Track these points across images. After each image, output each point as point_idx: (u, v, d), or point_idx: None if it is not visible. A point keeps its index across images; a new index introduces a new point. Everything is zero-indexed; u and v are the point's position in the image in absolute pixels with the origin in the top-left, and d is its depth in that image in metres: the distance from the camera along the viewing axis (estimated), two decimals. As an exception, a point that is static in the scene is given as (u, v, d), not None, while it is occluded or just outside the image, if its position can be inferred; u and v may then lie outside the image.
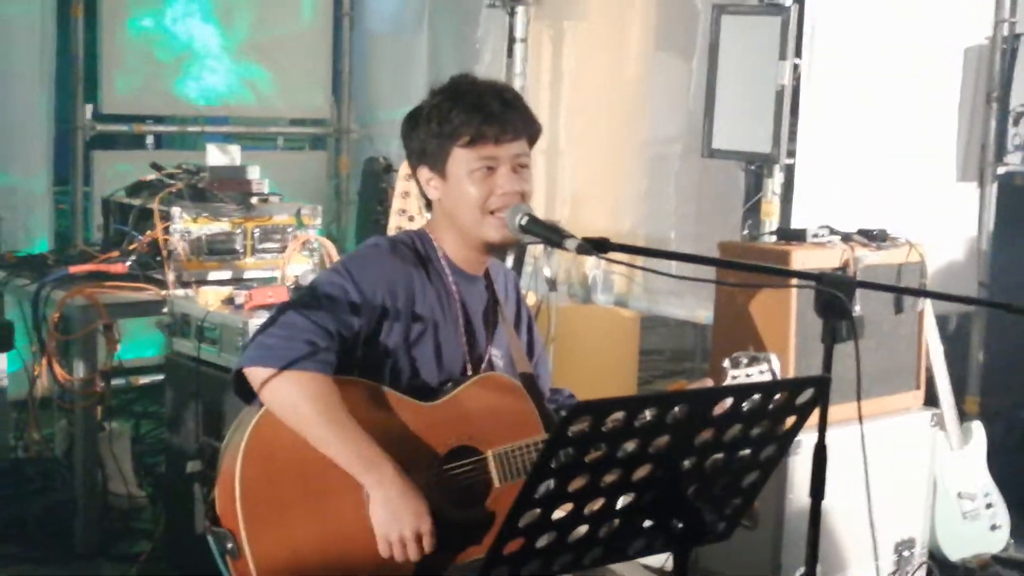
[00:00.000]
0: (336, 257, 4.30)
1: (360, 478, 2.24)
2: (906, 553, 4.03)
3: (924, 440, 4.09)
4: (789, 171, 4.40)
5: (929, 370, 4.19)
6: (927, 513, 4.12)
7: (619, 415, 1.71)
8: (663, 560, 3.03)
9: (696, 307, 4.92)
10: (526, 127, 2.44)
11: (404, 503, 2.23)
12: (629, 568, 2.46)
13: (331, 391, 2.26)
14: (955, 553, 4.21)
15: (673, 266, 2.88)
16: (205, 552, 2.32)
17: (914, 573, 4.06)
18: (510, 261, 4.20)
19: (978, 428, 4.43)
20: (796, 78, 4.25)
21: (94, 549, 4.19)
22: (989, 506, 4.35)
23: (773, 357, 2.45)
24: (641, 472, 1.78)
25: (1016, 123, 4.96)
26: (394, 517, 2.22)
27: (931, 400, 4.20)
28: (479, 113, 2.37)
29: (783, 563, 3.68)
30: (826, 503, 2.36)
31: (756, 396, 1.82)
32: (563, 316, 4.92)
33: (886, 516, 3.75)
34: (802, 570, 3.67)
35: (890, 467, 3.82)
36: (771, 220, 4.31)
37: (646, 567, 2.54)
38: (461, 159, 2.40)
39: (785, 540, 3.67)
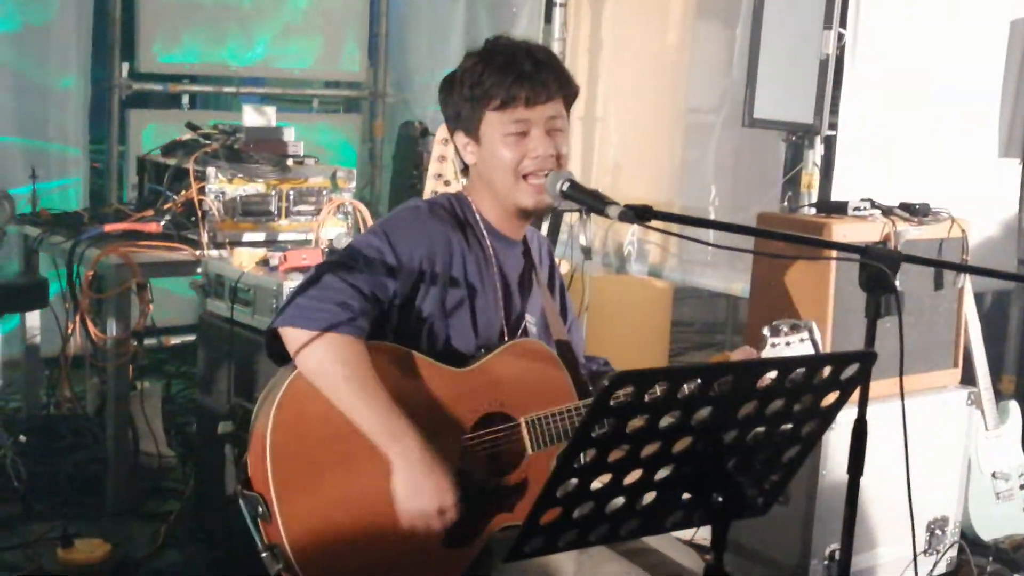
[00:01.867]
0: (370, 221, 4.28)
1: (385, 449, 2.21)
2: (938, 532, 3.99)
3: (960, 419, 4.04)
4: (830, 143, 4.35)
5: (967, 348, 4.14)
6: (960, 492, 4.08)
7: (662, 385, 1.68)
8: (692, 533, 3.01)
9: (732, 279, 4.88)
10: (560, 88, 2.39)
11: (427, 477, 2.20)
12: (663, 540, 2.44)
13: (363, 356, 2.23)
14: (987, 533, 4.17)
15: (711, 236, 2.84)
16: (234, 513, 2.31)
17: (946, 552, 4.02)
18: (545, 228, 4.17)
19: (1014, 408, 4.38)
20: (840, 48, 4.19)
21: (124, 507, 4.20)
22: (1023, 487, 4.30)
23: (814, 325, 2.41)
24: (682, 444, 1.75)
25: (1063, 99, 4.88)
26: (417, 491, 2.20)
27: (968, 378, 4.15)
28: (510, 75, 2.33)
29: (814, 539, 3.66)
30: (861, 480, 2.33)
31: (800, 370, 1.79)
32: (596, 285, 4.89)
33: (919, 494, 3.69)
34: (833, 546, 3.66)
35: (924, 445, 3.78)
36: (811, 192, 4.26)
37: (678, 539, 2.51)
38: (493, 122, 2.36)
39: (817, 516, 3.64)
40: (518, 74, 2.33)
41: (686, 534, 2.63)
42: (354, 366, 2.22)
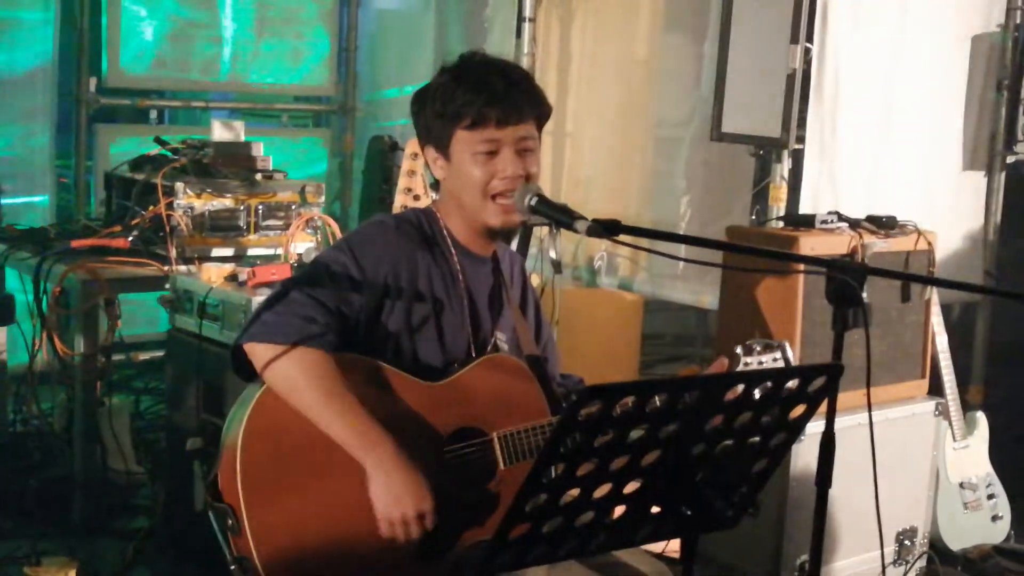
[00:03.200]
0: (340, 235, 4.27)
1: (360, 458, 2.21)
2: (907, 542, 4.02)
3: (928, 429, 4.08)
4: (798, 156, 4.38)
5: (934, 359, 4.17)
6: (929, 503, 4.11)
7: (629, 400, 1.69)
8: (663, 545, 3.01)
9: (701, 292, 4.90)
10: (532, 109, 2.39)
11: (404, 483, 2.20)
12: (634, 554, 2.45)
13: (331, 368, 2.23)
14: (956, 543, 4.20)
15: (682, 250, 2.85)
16: (204, 529, 2.30)
17: (915, 562, 4.05)
18: (515, 243, 4.17)
19: (981, 418, 4.41)
20: (807, 62, 4.22)
21: (92, 525, 4.16)
22: (991, 497, 4.34)
23: (787, 345, 2.42)
24: (650, 458, 1.76)
25: (1027, 112, 4.93)
26: (394, 497, 2.20)
27: (935, 389, 4.18)
28: (482, 94, 2.33)
29: (784, 550, 3.67)
30: (830, 491, 2.35)
31: (768, 383, 1.80)
32: (567, 299, 4.90)
33: (888, 505, 3.71)
34: (803, 557, 3.67)
35: (893, 456, 3.81)
36: (779, 206, 4.28)
37: (648, 552, 2.52)
38: (464, 141, 2.37)
39: (787, 527, 3.66)
40: (490, 94, 2.33)
41: (657, 546, 2.64)
42: (323, 378, 2.22)
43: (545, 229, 4.36)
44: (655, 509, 1.86)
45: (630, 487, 1.79)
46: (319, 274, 2.32)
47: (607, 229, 2.17)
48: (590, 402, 1.65)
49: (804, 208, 4.37)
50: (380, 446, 2.21)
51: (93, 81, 5.94)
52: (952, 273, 4.66)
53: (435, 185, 2.55)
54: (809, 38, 4.23)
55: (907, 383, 4.04)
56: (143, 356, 5.89)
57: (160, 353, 5.69)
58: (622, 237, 2.20)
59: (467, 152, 2.36)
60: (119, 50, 6.06)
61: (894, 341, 3.97)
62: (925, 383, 4.11)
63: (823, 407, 2.00)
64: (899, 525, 4.00)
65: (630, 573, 2.42)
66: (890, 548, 3.97)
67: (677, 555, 1.92)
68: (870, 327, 2.37)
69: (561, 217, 2.25)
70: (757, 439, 1.87)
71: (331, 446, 2.23)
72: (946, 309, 4.54)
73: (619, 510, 1.83)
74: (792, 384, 1.83)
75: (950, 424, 4.20)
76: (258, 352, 2.25)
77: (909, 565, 4.02)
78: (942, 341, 4.22)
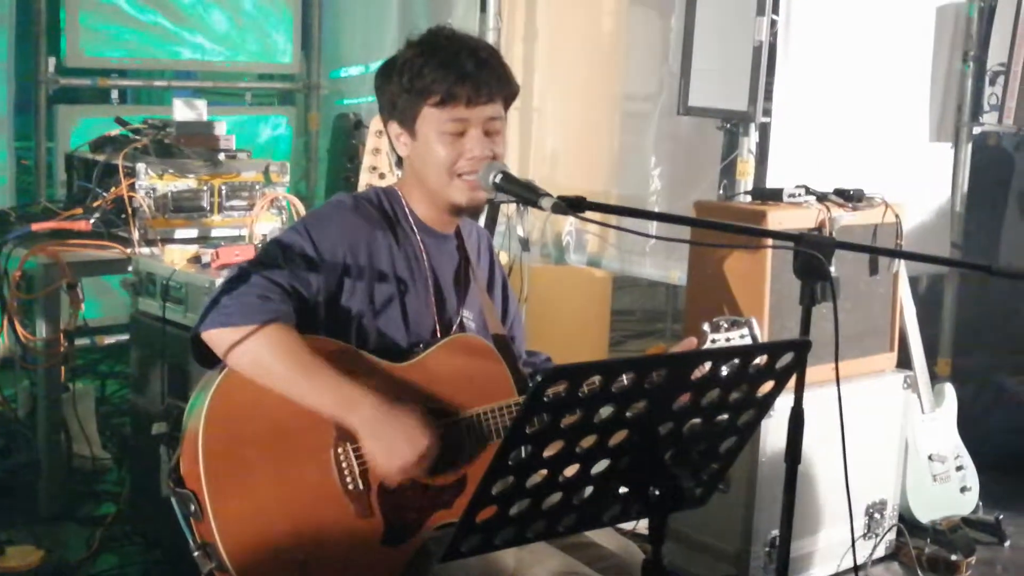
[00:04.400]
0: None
1: (342, 419, 2.18)
2: (877, 515, 4.03)
3: (896, 402, 4.08)
4: (764, 130, 4.36)
5: (902, 332, 4.18)
6: (898, 475, 4.12)
7: (596, 379, 1.67)
8: (633, 524, 3.00)
9: (669, 268, 4.89)
10: (501, 88, 2.35)
11: (395, 432, 2.17)
12: (603, 533, 2.43)
13: (295, 340, 2.20)
14: (925, 515, 4.21)
15: (651, 227, 2.83)
16: (171, 515, 2.27)
17: (885, 535, 4.06)
18: (482, 220, 4.14)
19: (950, 390, 4.43)
20: (773, 35, 4.20)
21: (58, 512, 4.13)
22: (959, 468, 4.36)
23: (754, 321, 2.40)
24: (617, 438, 1.74)
25: (992, 82, 4.93)
26: (389, 450, 2.17)
27: (904, 362, 4.18)
28: (452, 72, 2.29)
29: (755, 526, 3.67)
30: (799, 466, 2.34)
31: (735, 360, 1.78)
32: (535, 276, 4.87)
33: (857, 478, 3.74)
34: (774, 532, 3.67)
35: (862, 429, 3.81)
36: (746, 179, 4.27)
37: (619, 530, 2.50)
38: (431, 118, 2.33)
39: (758, 503, 3.66)
40: (461, 72, 2.29)
41: (628, 525, 2.63)
42: (290, 351, 2.19)
43: (513, 206, 4.32)
44: (623, 489, 1.83)
45: (597, 467, 1.77)
46: (274, 255, 2.29)
47: (572, 206, 2.15)
48: (555, 382, 1.62)
49: (772, 182, 4.36)
50: (361, 404, 2.18)
51: (52, 61, 5.85)
52: (919, 245, 4.65)
53: (400, 163, 2.51)
54: (775, 10, 4.20)
55: (875, 356, 4.04)
56: (108, 340, 5.83)
57: (124, 336, 5.64)
58: (588, 214, 2.17)
59: (434, 130, 2.32)
60: (78, 30, 5.96)
61: (862, 315, 3.97)
62: (894, 356, 4.12)
63: (792, 383, 1.99)
64: (868, 498, 4.01)
65: (599, 553, 2.40)
66: (860, 521, 3.98)
67: (647, 532, 1.90)
68: (838, 301, 2.36)
69: (526, 194, 2.21)
70: (725, 417, 1.85)
71: (294, 429, 2.20)
72: (914, 282, 4.55)
73: (587, 491, 1.81)
74: (760, 361, 1.81)
75: (919, 397, 4.22)
76: (219, 338, 2.21)
77: (879, 538, 4.03)
78: (910, 314, 4.23)
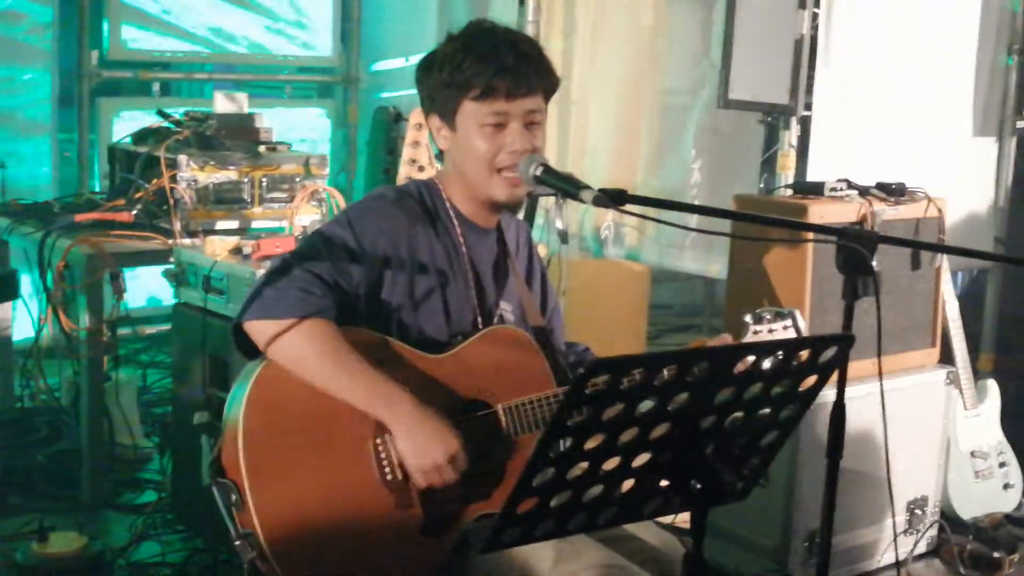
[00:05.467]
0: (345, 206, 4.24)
1: (379, 416, 2.20)
2: (918, 512, 4.00)
3: (938, 398, 4.05)
4: (805, 123, 4.33)
5: (944, 327, 4.14)
6: (940, 472, 4.08)
7: (638, 372, 1.66)
8: (672, 517, 2.99)
9: (709, 261, 4.87)
10: (541, 81, 2.35)
11: (428, 432, 2.19)
12: (642, 526, 2.42)
13: (336, 336, 2.22)
14: (967, 512, 4.18)
15: (690, 220, 2.83)
16: (211, 503, 2.29)
17: (926, 531, 4.03)
18: (521, 213, 4.14)
19: (992, 386, 4.38)
20: (814, 28, 4.17)
21: (100, 500, 4.17)
22: (1002, 465, 4.31)
23: (797, 313, 2.40)
24: (659, 431, 1.74)
25: (1039, 76, 4.87)
26: (422, 448, 2.19)
27: (946, 358, 4.15)
28: (491, 65, 2.29)
29: (794, 521, 3.65)
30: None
31: (778, 354, 1.77)
32: (574, 270, 4.87)
33: (899, 474, 3.71)
34: (814, 527, 3.65)
35: (904, 425, 3.78)
36: (787, 173, 4.24)
37: (658, 524, 2.50)
38: (471, 112, 2.33)
39: (797, 498, 3.64)
40: (500, 66, 2.29)
41: (666, 518, 2.62)
42: (330, 346, 2.20)
43: (551, 199, 4.30)
44: (664, 482, 1.83)
45: (639, 460, 1.76)
46: (316, 247, 2.30)
47: (613, 199, 2.14)
48: (598, 375, 1.62)
49: (812, 175, 4.33)
50: (397, 402, 2.20)
51: (95, 55, 5.90)
52: (962, 240, 4.61)
53: (440, 156, 2.52)
54: (816, 3, 4.17)
55: (918, 352, 4.01)
56: (149, 330, 5.89)
57: (165, 327, 5.69)
58: (628, 207, 2.17)
59: (474, 124, 2.33)
60: (120, 23, 6.01)
61: (904, 310, 3.93)
62: (936, 352, 4.08)
63: (833, 377, 1.97)
64: (910, 494, 3.98)
65: (639, 546, 2.40)
66: (901, 517, 3.95)
67: (687, 526, 1.90)
68: (880, 296, 2.34)
69: (566, 187, 2.21)
70: (767, 411, 1.84)
71: (333, 420, 2.21)
72: (956, 277, 4.50)
73: (628, 484, 1.80)
74: (803, 355, 1.80)
75: (961, 393, 4.17)
76: (260, 329, 2.23)
77: (920, 534, 4.00)
78: (952, 309, 4.18)
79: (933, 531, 4.06)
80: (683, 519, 3.56)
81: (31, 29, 5.65)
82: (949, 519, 4.11)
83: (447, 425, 2.22)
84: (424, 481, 2.21)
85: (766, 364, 1.78)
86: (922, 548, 4.04)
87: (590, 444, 1.70)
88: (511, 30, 2.42)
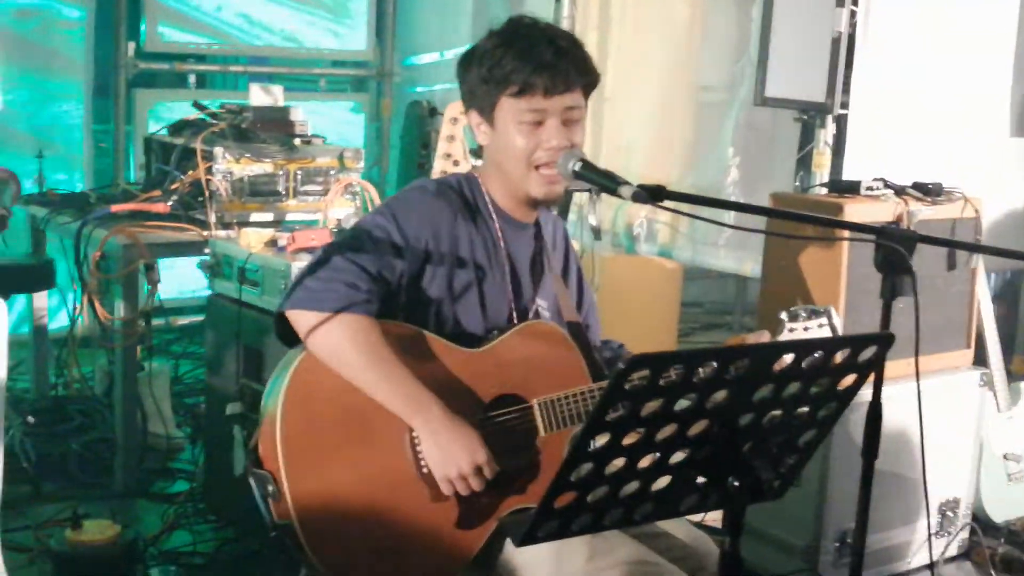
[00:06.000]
0: (378, 201, 4.26)
1: (407, 419, 2.21)
2: (950, 514, 3.97)
3: (972, 400, 4.02)
4: (841, 121, 4.31)
5: (979, 328, 4.11)
6: (972, 474, 4.06)
7: (678, 368, 1.66)
8: (702, 515, 2.98)
9: (743, 259, 4.85)
10: (581, 78, 2.35)
11: (455, 440, 2.20)
12: (675, 523, 2.42)
13: (376, 334, 2.23)
14: (999, 515, 4.15)
15: (726, 216, 2.82)
16: (243, 494, 2.30)
17: (957, 534, 4.00)
18: (555, 209, 4.13)
19: (1027, 389, 4.35)
20: (852, 26, 4.14)
21: (133, 488, 4.20)
22: (1035, 468, 4.28)
23: (833, 310, 2.39)
24: (697, 428, 1.73)
25: (1076, 76, 4.83)
26: (448, 454, 2.20)
27: (980, 359, 4.12)
28: (530, 62, 2.29)
29: (826, 520, 3.64)
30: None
31: (818, 352, 1.77)
32: (606, 266, 4.87)
33: (931, 476, 3.68)
34: (845, 528, 3.64)
35: (936, 426, 3.75)
36: (822, 171, 4.23)
37: (689, 521, 2.50)
38: (509, 108, 2.33)
39: (829, 497, 3.62)
40: (539, 62, 2.29)
41: (695, 516, 2.62)
42: (368, 343, 2.21)
43: (585, 195, 4.31)
44: (701, 479, 1.83)
45: (676, 457, 1.76)
46: (361, 239, 2.31)
47: (652, 195, 2.14)
48: (638, 370, 1.62)
49: (847, 174, 4.31)
50: (427, 408, 2.21)
51: (131, 46, 5.94)
52: (998, 241, 4.56)
53: (475, 151, 2.52)
54: (855, 1, 4.15)
55: (952, 353, 3.98)
56: (181, 321, 5.92)
57: (198, 318, 5.72)
58: (666, 203, 2.17)
59: (512, 120, 2.33)
60: (157, 15, 6.05)
61: (938, 310, 3.91)
62: (970, 353, 4.05)
63: (869, 377, 1.96)
64: (942, 496, 3.96)
65: (672, 543, 2.40)
66: (933, 519, 3.93)
67: (717, 524, 1.90)
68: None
69: (606, 182, 2.21)
70: (805, 409, 1.84)
71: (371, 413, 2.22)
72: (990, 278, 4.47)
73: (664, 480, 1.80)
74: (842, 353, 1.79)
75: (995, 394, 4.14)
76: (302, 319, 2.24)
77: (951, 536, 3.98)
78: (987, 310, 4.16)
79: (964, 533, 4.03)
80: (712, 517, 3.56)
81: (67, 21, 5.69)
82: (981, 522, 4.08)
83: (475, 434, 2.22)
84: (448, 489, 2.21)
85: (805, 362, 1.77)
86: (953, 551, 4.01)
87: (628, 440, 1.70)
88: (551, 26, 2.42)
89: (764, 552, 3.74)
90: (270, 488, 2.19)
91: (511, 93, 2.31)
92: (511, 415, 2.33)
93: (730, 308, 7.17)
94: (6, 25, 5.51)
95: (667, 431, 1.72)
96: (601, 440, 1.70)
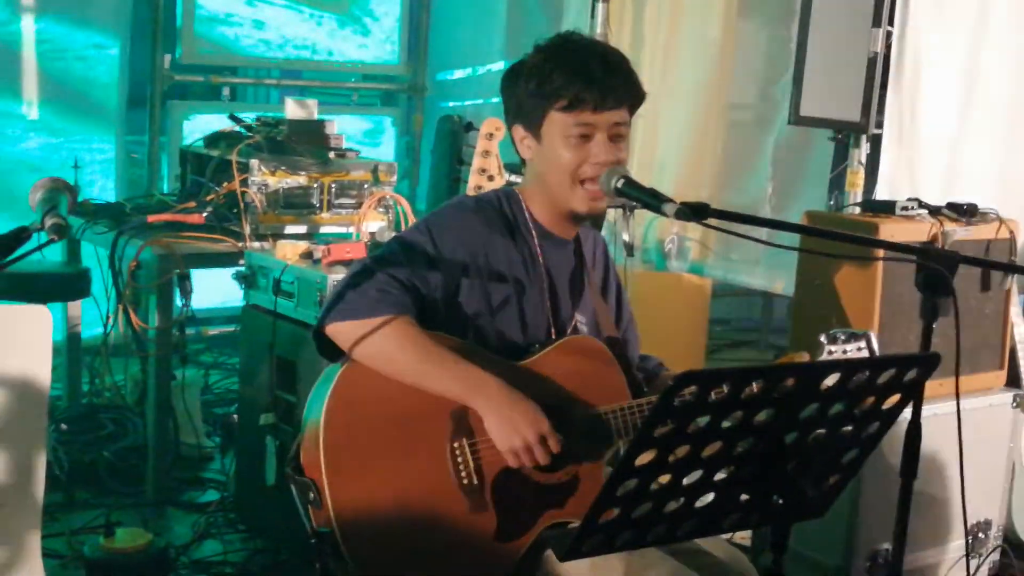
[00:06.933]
0: (411, 214, 4.28)
1: (468, 401, 2.25)
2: (981, 535, 3.96)
3: (1005, 421, 4.00)
4: (875, 141, 4.31)
5: (1012, 350, 4.10)
6: (1004, 495, 4.04)
7: (725, 386, 1.67)
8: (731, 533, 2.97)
9: (774, 277, 4.85)
10: (628, 94, 2.36)
11: (517, 412, 2.23)
12: (711, 541, 2.42)
13: (419, 331, 2.26)
14: (1031, 537, 4.13)
15: (762, 234, 2.82)
16: (274, 504, 2.33)
17: (988, 555, 3.98)
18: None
19: (1059, 411, 4.33)
20: (888, 46, 4.15)
21: (164, 497, 4.23)
22: (1067, 491, 4.26)
23: (872, 334, 2.39)
24: (743, 445, 1.74)
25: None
26: (511, 427, 2.22)
27: (1013, 380, 4.11)
28: (580, 77, 2.31)
29: (856, 540, 3.63)
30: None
31: (864, 372, 1.77)
32: (637, 281, 4.87)
33: (964, 496, 3.67)
34: (876, 547, 3.63)
35: (969, 447, 3.71)
36: (856, 191, 4.22)
37: (724, 539, 2.50)
38: (557, 122, 2.35)
39: (860, 516, 3.61)
40: (589, 77, 2.31)
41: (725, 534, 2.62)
42: (411, 338, 2.25)
43: (618, 211, 4.33)
44: (744, 497, 1.84)
45: (721, 474, 1.77)
46: (396, 253, 2.34)
47: (695, 212, 2.15)
48: (687, 387, 1.63)
49: (880, 194, 4.30)
50: (485, 385, 2.25)
51: (167, 58, 5.99)
52: (1030, 262, 4.55)
53: (510, 166, 2.54)
54: (891, 21, 4.15)
55: (985, 373, 3.97)
56: (212, 331, 5.96)
57: (227, 328, 5.76)
58: (710, 221, 2.18)
59: (559, 134, 2.34)
60: (193, 28, 6.10)
61: (972, 331, 3.89)
62: (1003, 374, 4.04)
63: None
64: (973, 518, 3.94)
65: (709, 560, 2.40)
66: (963, 540, 3.91)
67: (745, 542, 1.90)
68: (950, 317, 2.33)
69: (649, 200, 2.22)
70: (850, 428, 1.84)
71: (412, 423, 2.24)
72: (1022, 298, 4.46)
73: (708, 497, 1.81)
74: (887, 374, 1.80)
75: (1027, 416, 4.13)
76: (342, 330, 2.27)
77: (983, 558, 3.96)
78: (1020, 332, 4.14)
79: (996, 555, 4.01)
80: (741, 535, 3.55)
81: (103, 33, 5.73)
82: (1012, 544, 4.06)
83: (535, 405, 2.25)
84: (515, 462, 2.24)
85: (851, 382, 1.77)
86: (984, 572, 3.99)
87: (675, 456, 1.71)
88: (600, 43, 2.44)
89: (795, 570, 3.73)
90: (311, 496, 2.21)
91: (560, 107, 2.33)
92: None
93: (757, 325, 7.16)
94: (43, 42, 5.56)
95: (713, 448, 1.72)
96: (646, 457, 1.71)
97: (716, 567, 2.38)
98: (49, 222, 1.93)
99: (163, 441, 4.26)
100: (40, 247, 1.91)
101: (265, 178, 4.29)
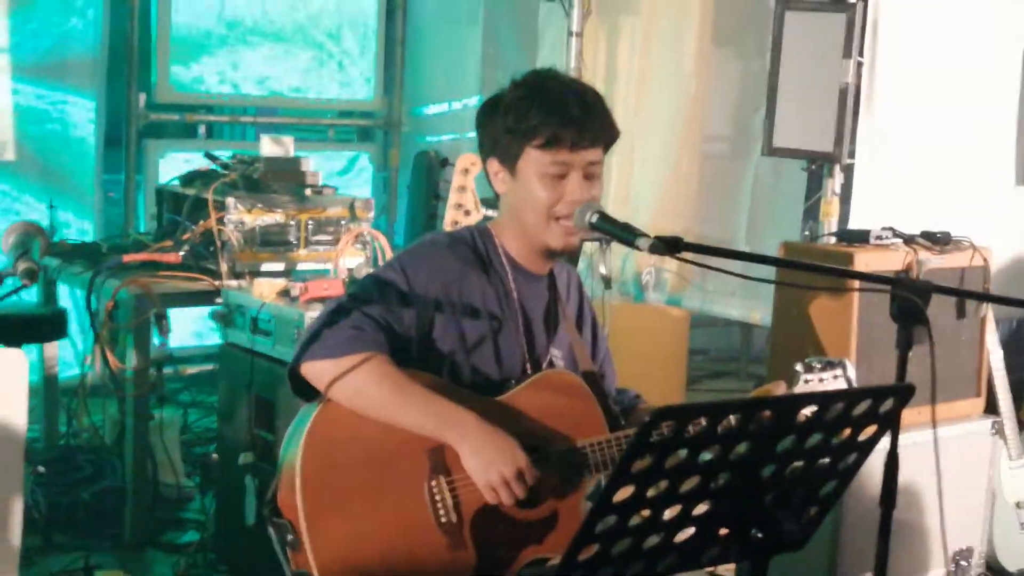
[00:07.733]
0: (389, 250, 4.28)
1: (445, 438, 2.24)
2: (963, 563, 3.96)
3: (983, 448, 4.02)
4: (848, 171, 4.34)
5: (989, 377, 4.12)
6: (985, 523, 4.05)
7: (702, 420, 1.67)
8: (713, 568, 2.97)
9: (752, 308, 4.87)
10: (605, 133, 2.38)
11: (493, 447, 2.22)
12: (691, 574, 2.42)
13: (391, 367, 2.26)
14: (1012, 564, 4.13)
15: (737, 267, 2.84)
16: (255, 544, 2.32)
17: (970, 583, 3.99)
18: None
19: (1037, 437, 4.35)
20: (859, 76, 4.19)
21: (143, 538, 4.19)
22: (1048, 517, 4.27)
23: (848, 362, 2.40)
24: (721, 479, 1.74)
25: (1082, 124, 4.86)
26: (488, 462, 2.22)
27: (991, 408, 4.12)
28: (558, 115, 2.32)
29: (837, 571, 3.62)
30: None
31: (839, 404, 1.78)
32: (615, 314, 4.88)
33: (944, 525, 3.68)
34: (859, 577, 3.63)
35: (949, 475, 3.74)
36: (830, 221, 4.25)
37: (710, 574, 2.50)
38: (533, 160, 2.35)
39: (841, 546, 3.61)
40: (566, 117, 2.32)
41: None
42: (387, 377, 2.25)
43: (595, 245, 4.34)
44: (723, 531, 1.84)
45: (700, 509, 1.77)
46: (370, 291, 2.35)
47: (669, 246, 2.16)
48: (664, 422, 1.63)
49: (854, 223, 4.33)
50: (462, 421, 2.24)
51: (143, 97, 5.99)
52: (1005, 289, 4.58)
53: (486, 201, 2.54)
54: (861, 52, 4.20)
55: (963, 401, 3.99)
56: (190, 370, 5.92)
57: (206, 367, 5.73)
58: (684, 255, 2.19)
59: (535, 172, 2.35)
60: (168, 66, 6.10)
61: (949, 359, 3.91)
62: (981, 401, 4.06)
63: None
64: (955, 545, 3.94)
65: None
66: (945, 569, 3.91)
67: (731, 573, 1.90)
68: (926, 345, 2.34)
69: (623, 234, 2.23)
70: (827, 460, 1.85)
71: (389, 462, 2.23)
72: (1000, 326, 4.48)
73: (687, 531, 1.81)
74: (863, 405, 1.81)
75: (1006, 443, 4.14)
76: (316, 369, 2.27)
77: (964, 586, 3.97)
78: (997, 359, 4.16)
79: (978, 582, 4.02)
80: (724, 569, 3.53)
81: (79, 70, 5.73)
82: (994, 570, 4.07)
83: (511, 439, 2.24)
84: (493, 497, 2.23)
85: (827, 414, 1.78)
86: (966, 600, 4.00)
87: (652, 491, 1.71)
88: (577, 80, 2.46)
89: (777, 602, 3.72)
90: (289, 537, 2.20)
91: (537, 145, 2.34)
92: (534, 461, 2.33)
93: (735, 355, 7.17)
94: (21, 83, 5.55)
95: (691, 483, 1.72)
96: (625, 492, 1.71)
97: (697, 600, 2.38)
98: (21, 267, 1.92)
99: (142, 482, 4.22)
100: (12, 292, 1.91)
101: (242, 216, 4.28)
